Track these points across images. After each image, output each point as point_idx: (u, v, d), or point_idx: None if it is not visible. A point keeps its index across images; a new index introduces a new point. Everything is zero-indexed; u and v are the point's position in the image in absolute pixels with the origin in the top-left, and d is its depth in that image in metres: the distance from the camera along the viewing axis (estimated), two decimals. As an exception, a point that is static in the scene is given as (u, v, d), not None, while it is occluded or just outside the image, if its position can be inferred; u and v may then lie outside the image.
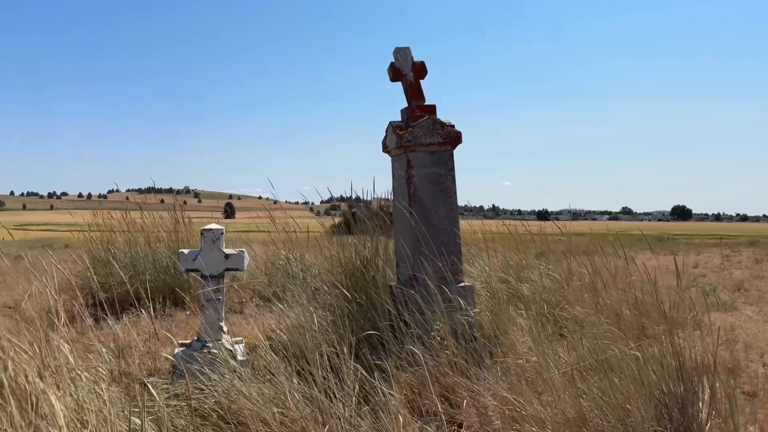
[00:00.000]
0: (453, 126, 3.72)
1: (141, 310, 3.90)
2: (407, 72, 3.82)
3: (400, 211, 3.75)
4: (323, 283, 4.19)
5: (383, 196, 4.33)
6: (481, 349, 3.19)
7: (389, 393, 2.50)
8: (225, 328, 3.42)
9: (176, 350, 3.32)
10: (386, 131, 3.87)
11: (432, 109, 3.76)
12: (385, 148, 3.93)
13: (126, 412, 2.11)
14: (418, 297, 3.41)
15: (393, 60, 3.87)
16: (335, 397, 2.45)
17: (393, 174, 3.92)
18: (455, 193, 3.73)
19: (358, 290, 3.71)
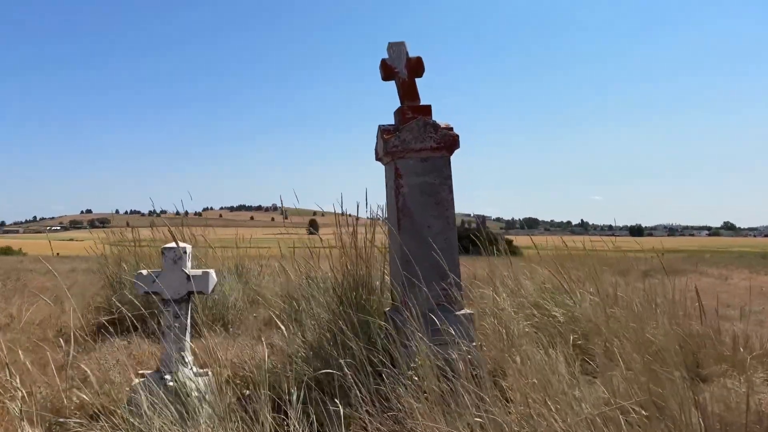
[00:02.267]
0: (451, 128, 3.22)
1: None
2: (400, 69, 3.36)
3: (391, 227, 3.28)
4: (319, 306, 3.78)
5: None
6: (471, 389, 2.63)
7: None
8: (189, 359, 3.08)
9: (135, 381, 3.02)
10: (376, 136, 3.43)
11: (426, 110, 3.27)
12: (377, 156, 3.48)
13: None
14: (409, 326, 2.92)
15: (386, 56, 3.43)
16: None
17: (386, 184, 3.45)
18: (452, 205, 3.20)
19: (344, 315, 3.26)
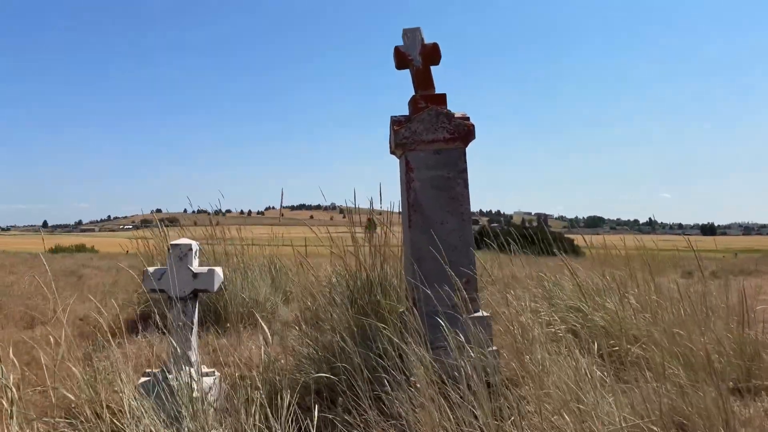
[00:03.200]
0: (466, 118, 3.00)
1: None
2: (414, 56, 3.17)
3: (404, 223, 3.10)
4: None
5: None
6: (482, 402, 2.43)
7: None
8: (194, 358, 3.02)
9: (140, 380, 2.99)
10: (389, 128, 3.26)
11: (440, 99, 3.07)
12: (390, 149, 3.31)
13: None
14: (417, 328, 2.75)
15: (401, 43, 3.25)
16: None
17: (399, 179, 3.28)
18: (468, 200, 2.99)
19: (354, 318, 3.12)
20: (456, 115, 3.00)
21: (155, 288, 3.01)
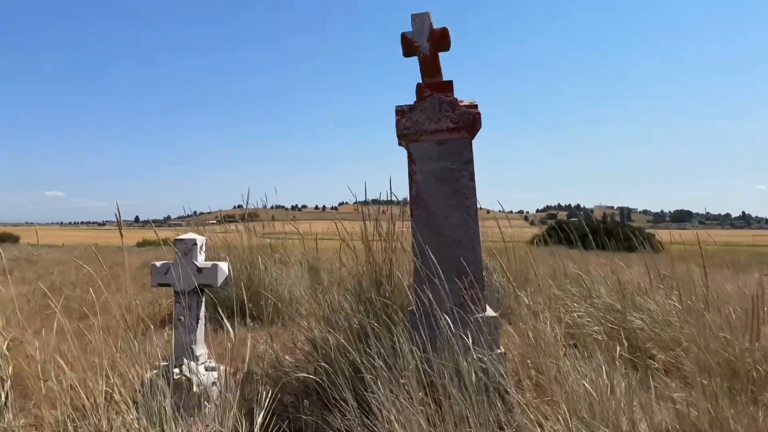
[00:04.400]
0: (474, 106, 2.82)
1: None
2: (422, 42, 3.02)
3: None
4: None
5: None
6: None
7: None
8: (199, 352, 3.03)
9: (149, 372, 3.04)
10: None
11: (446, 86, 2.91)
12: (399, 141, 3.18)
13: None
14: (421, 330, 2.63)
15: (409, 30, 3.11)
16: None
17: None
18: (474, 193, 2.81)
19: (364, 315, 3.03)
20: (462, 103, 2.83)
21: (161, 282, 3.05)
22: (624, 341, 3.06)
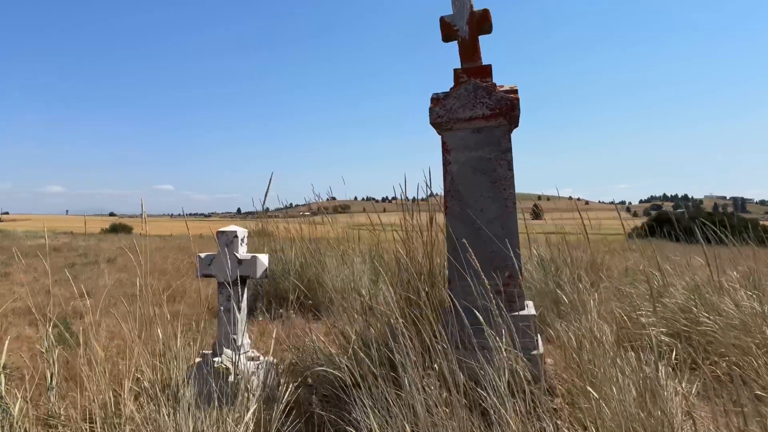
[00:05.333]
0: (514, 91, 2.65)
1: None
2: (461, 26, 2.87)
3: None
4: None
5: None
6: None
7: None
8: (241, 342, 3.09)
9: (197, 359, 3.15)
10: (433, 107, 3.00)
11: (484, 71, 2.75)
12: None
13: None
14: (451, 328, 2.53)
15: (449, 13, 2.97)
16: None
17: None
18: (512, 184, 2.64)
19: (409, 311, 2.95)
20: (500, 88, 2.66)
21: (205, 272, 3.14)
22: (688, 346, 2.77)
